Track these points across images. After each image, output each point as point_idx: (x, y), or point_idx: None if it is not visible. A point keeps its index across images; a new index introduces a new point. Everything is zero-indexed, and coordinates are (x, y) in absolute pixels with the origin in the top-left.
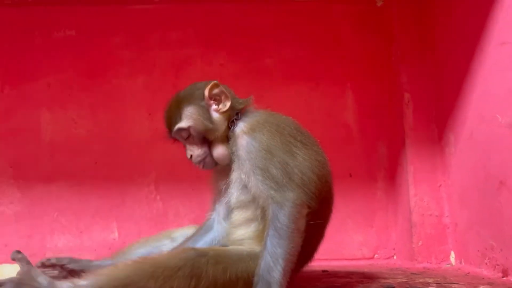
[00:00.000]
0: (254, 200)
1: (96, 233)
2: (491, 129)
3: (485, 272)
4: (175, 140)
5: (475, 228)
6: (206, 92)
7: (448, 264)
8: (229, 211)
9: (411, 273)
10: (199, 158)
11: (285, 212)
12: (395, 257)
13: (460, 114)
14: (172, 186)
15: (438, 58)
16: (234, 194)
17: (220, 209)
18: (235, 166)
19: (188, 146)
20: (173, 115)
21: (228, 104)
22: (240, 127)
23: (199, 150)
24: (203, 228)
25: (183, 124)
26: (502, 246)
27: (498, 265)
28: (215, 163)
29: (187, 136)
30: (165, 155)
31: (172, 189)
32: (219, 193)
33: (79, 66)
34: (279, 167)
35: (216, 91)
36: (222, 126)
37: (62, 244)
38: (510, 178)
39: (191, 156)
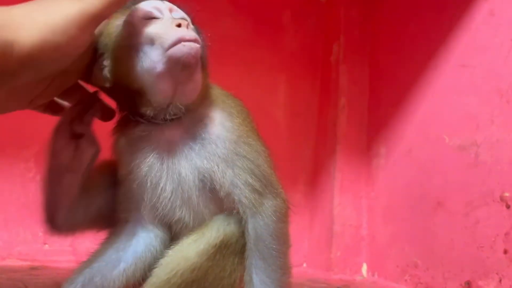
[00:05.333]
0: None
1: None
2: (436, 149)
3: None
4: None
5: (398, 244)
6: None
7: (360, 276)
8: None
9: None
10: (194, 37)
11: (273, 229)
12: (304, 265)
13: (396, 128)
14: None
15: (379, 68)
16: (191, 199)
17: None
18: (194, 149)
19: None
20: None
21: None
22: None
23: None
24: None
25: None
26: (429, 265)
27: (421, 283)
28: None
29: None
30: (53, 124)
31: None
32: (142, 193)
33: None
34: (263, 162)
35: None
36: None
37: None
38: (449, 200)
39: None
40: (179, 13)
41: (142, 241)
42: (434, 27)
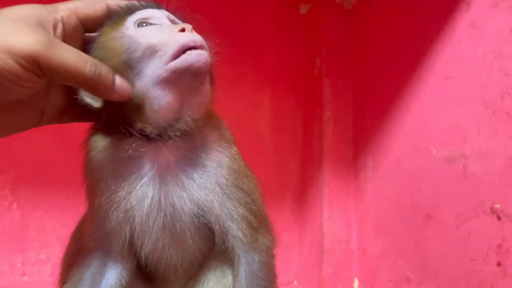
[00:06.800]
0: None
1: None
2: (424, 161)
3: None
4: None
5: (390, 258)
6: None
7: None
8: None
9: None
10: (201, 42)
11: (266, 265)
12: (295, 283)
13: (383, 140)
14: (37, 191)
15: (362, 80)
16: (182, 236)
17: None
18: (192, 178)
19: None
20: None
21: None
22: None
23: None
24: None
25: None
26: (422, 279)
27: None
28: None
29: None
30: (31, 149)
31: (37, 196)
32: (123, 228)
33: None
34: (258, 196)
35: None
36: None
37: None
38: (440, 212)
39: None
40: (179, 22)
41: (112, 273)
42: (417, 38)
